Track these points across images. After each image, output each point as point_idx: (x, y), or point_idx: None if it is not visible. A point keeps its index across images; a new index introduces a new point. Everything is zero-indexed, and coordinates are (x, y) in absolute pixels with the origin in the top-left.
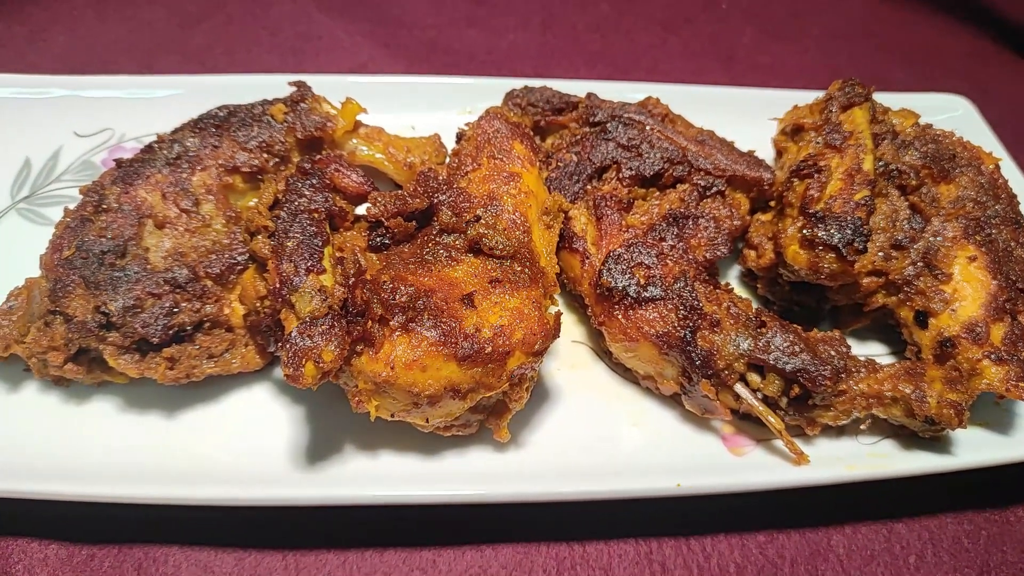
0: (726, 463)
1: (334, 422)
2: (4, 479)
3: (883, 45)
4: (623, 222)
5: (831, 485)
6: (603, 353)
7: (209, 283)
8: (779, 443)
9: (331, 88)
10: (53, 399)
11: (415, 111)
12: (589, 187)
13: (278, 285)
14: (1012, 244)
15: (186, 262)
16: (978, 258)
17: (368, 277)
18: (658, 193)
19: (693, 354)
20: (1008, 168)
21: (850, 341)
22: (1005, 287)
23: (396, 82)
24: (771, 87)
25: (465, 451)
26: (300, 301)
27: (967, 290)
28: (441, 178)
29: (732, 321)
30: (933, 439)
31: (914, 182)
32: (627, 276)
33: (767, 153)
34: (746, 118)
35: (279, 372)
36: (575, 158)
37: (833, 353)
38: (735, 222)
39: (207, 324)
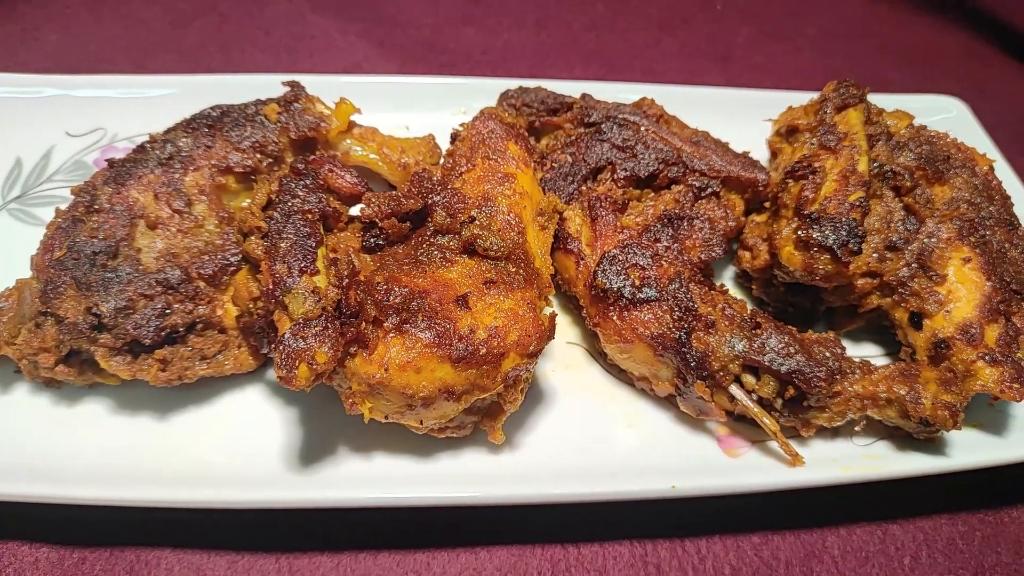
0: (721, 464)
1: (328, 424)
2: None
3: (879, 46)
4: (618, 223)
5: (826, 486)
6: (598, 354)
7: (202, 284)
8: (774, 444)
9: (325, 88)
10: (44, 401)
11: (409, 111)
12: (584, 188)
13: (271, 286)
14: (1006, 245)
15: (178, 263)
16: (972, 259)
17: (362, 278)
18: (653, 194)
19: (688, 355)
20: (1002, 169)
21: (845, 342)
22: (999, 288)
23: (390, 82)
24: (766, 88)
25: (459, 453)
26: (293, 302)
27: (961, 291)
28: (435, 179)
29: (727, 322)
30: (928, 440)
31: (908, 183)
32: (622, 277)
33: (762, 154)
34: (741, 119)
35: (272, 374)
36: (570, 159)
37: (828, 354)
38: (730, 223)
39: (200, 325)
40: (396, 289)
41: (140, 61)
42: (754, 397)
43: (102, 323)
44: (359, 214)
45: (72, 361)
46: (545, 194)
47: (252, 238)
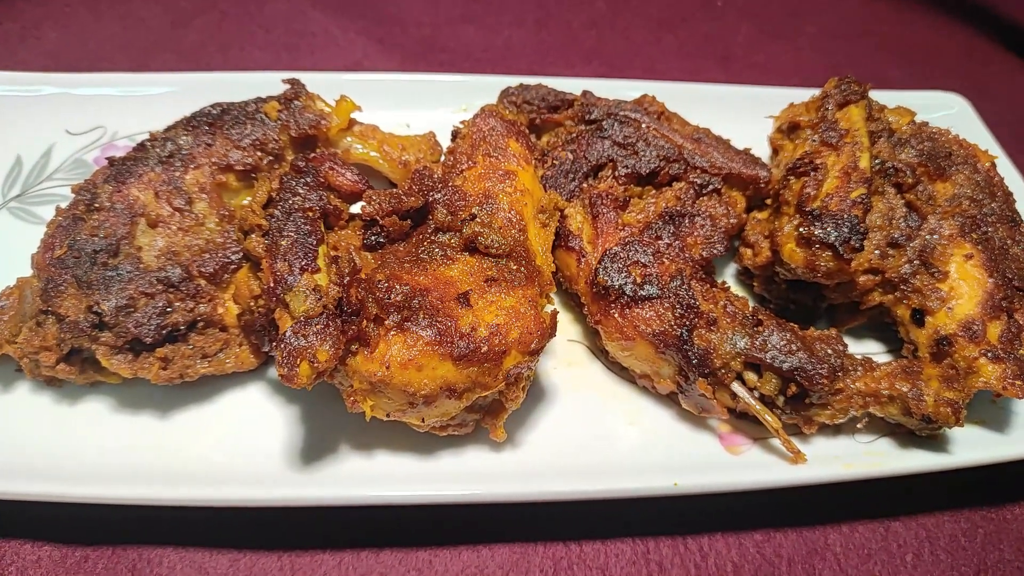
0: (723, 462)
1: (329, 422)
2: None
3: (879, 44)
4: (619, 220)
5: (828, 484)
6: (599, 352)
7: (203, 282)
8: (776, 442)
9: (325, 86)
10: (45, 399)
11: (410, 109)
12: (585, 185)
13: (272, 284)
14: (1008, 242)
15: (179, 261)
16: (974, 256)
17: (363, 276)
18: (654, 191)
19: (690, 353)
20: (1004, 166)
21: (847, 339)
22: (1001, 285)
23: (391, 79)
24: (767, 85)
25: (461, 451)
26: (294, 300)
27: (963, 288)
28: (436, 176)
29: (729, 320)
30: (930, 437)
31: (910, 180)
32: (623, 275)
33: (763, 151)
34: (742, 116)
35: (273, 372)
36: (571, 156)
37: (830, 351)
38: (731, 220)
39: (201, 324)
40: (397, 287)
41: (140, 59)
42: (756, 394)
43: (103, 321)
44: (360, 212)
45: (73, 360)
46: (546, 191)
47: (253, 236)
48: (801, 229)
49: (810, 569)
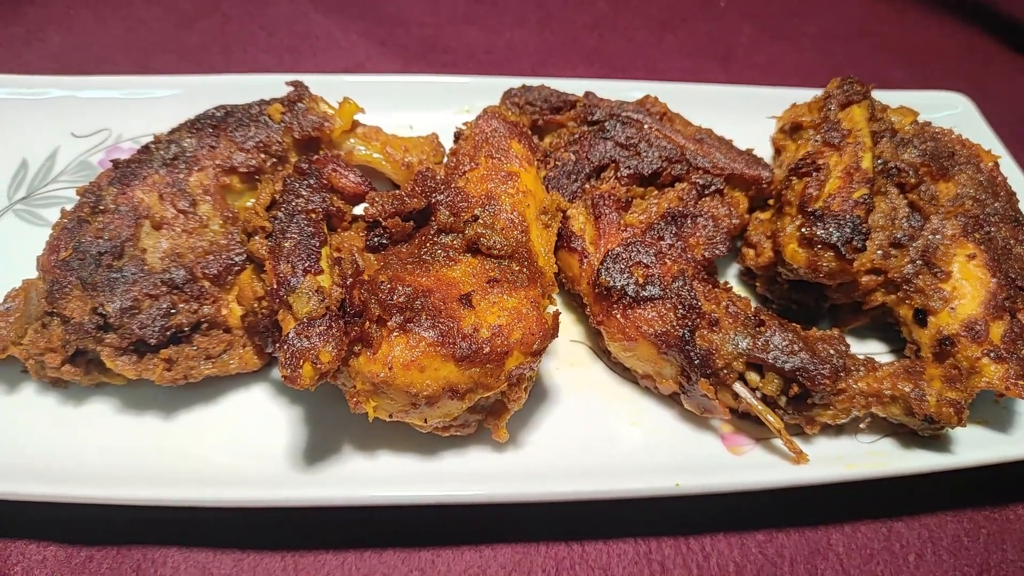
0: (725, 462)
1: (332, 423)
2: (2, 481)
3: (881, 44)
4: (621, 221)
5: (830, 484)
6: (602, 352)
7: (206, 284)
8: (778, 442)
9: (328, 87)
10: (51, 401)
11: (413, 110)
12: (587, 186)
13: (275, 286)
14: (1011, 242)
15: (183, 263)
16: (977, 256)
17: (366, 277)
18: (656, 192)
19: (692, 353)
20: (1007, 166)
21: (849, 340)
22: (1004, 285)
23: (393, 81)
24: (769, 85)
25: (464, 451)
26: (298, 302)
27: (966, 288)
28: (439, 178)
29: (731, 320)
30: (932, 437)
31: (913, 180)
32: (625, 275)
33: (765, 151)
34: (744, 116)
35: (277, 373)
36: (573, 157)
37: (832, 352)
38: (734, 221)
39: (205, 325)
40: (400, 288)
41: (143, 62)
42: (758, 395)
43: (108, 323)
44: (363, 213)
45: (78, 361)
46: (548, 192)
47: (256, 238)
48: (803, 229)
49: (812, 569)
